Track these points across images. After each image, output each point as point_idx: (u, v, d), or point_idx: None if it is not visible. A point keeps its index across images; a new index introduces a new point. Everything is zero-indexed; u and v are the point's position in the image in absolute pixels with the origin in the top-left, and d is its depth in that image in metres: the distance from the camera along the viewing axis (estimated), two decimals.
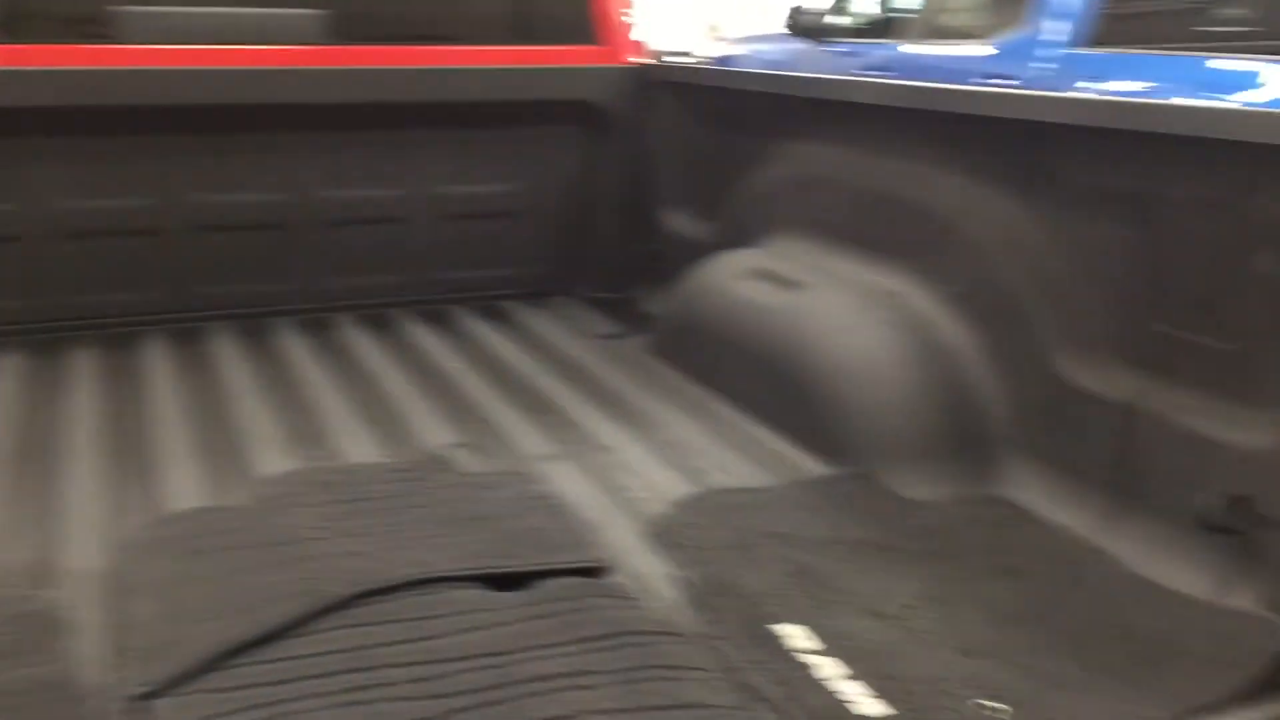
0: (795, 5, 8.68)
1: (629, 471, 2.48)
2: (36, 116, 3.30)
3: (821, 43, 8.39)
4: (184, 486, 2.37)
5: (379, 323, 3.64)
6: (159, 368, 3.14)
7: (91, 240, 3.44)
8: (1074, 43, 6.12)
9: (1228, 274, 1.95)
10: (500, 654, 1.71)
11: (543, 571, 1.97)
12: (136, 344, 3.35)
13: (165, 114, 3.43)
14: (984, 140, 2.47)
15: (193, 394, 2.94)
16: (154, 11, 3.52)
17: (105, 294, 3.48)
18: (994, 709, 1.60)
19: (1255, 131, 1.85)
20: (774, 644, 1.76)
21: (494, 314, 3.79)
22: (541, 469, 2.48)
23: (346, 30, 3.73)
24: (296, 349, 3.34)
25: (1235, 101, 5.06)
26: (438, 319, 3.70)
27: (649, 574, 2.03)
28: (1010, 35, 6.53)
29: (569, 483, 2.41)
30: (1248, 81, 5.21)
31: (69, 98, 3.29)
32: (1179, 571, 1.96)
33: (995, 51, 6.62)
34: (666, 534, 2.14)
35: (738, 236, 3.39)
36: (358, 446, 2.60)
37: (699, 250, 3.55)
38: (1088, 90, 5.79)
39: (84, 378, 3.04)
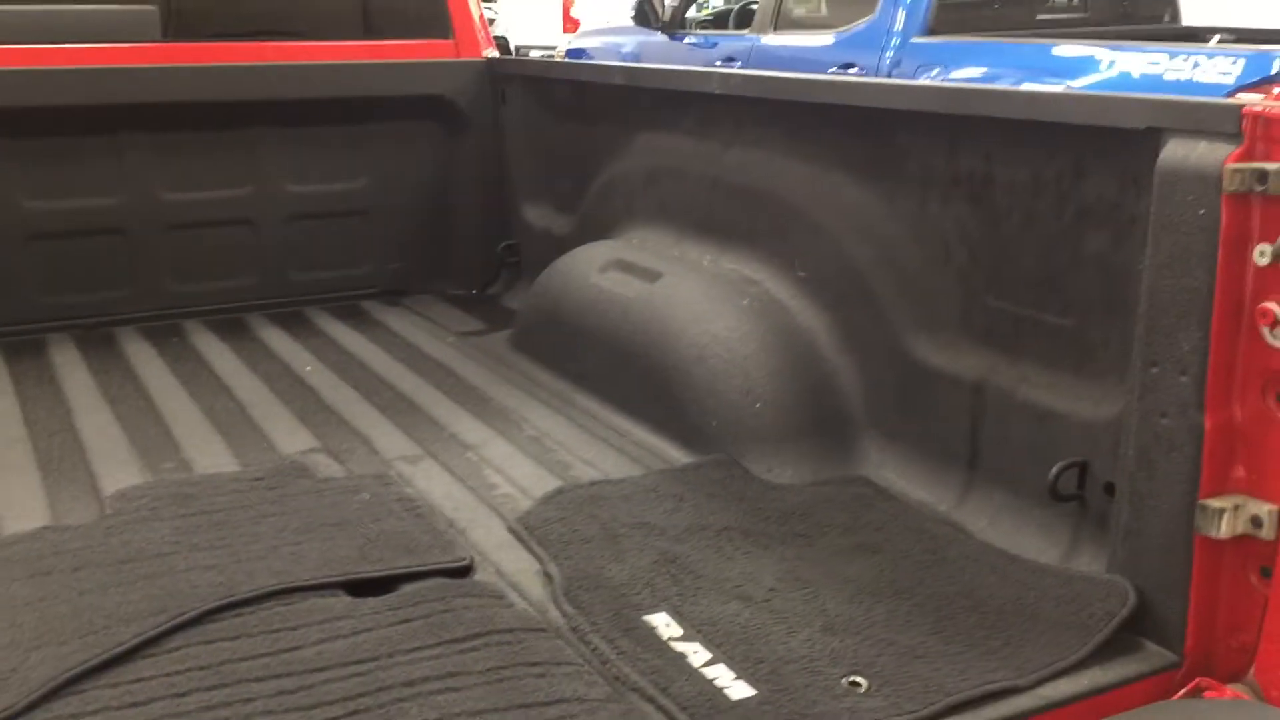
0: None
1: (493, 469, 2.46)
2: None
3: (671, 34, 8.45)
4: (25, 504, 2.25)
5: (232, 328, 3.53)
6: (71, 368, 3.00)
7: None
8: (919, 31, 6.31)
9: (1062, 252, 2.03)
10: (365, 661, 1.67)
11: (407, 574, 1.94)
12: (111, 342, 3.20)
13: None
14: (830, 128, 2.52)
15: (33, 407, 2.81)
16: None
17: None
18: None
19: (1079, 114, 1.93)
20: (643, 633, 1.76)
21: (352, 314, 3.71)
22: (403, 470, 2.44)
23: (187, 26, 3.62)
24: (144, 358, 3.22)
25: (1071, 85, 5.28)
26: (293, 321, 3.61)
27: (515, 571, 2.01)
28: (857, 25, 6.69)
29: (432, 483, 2.38)
30: (1086, 66, 5.44)
31: None
32: (1031, 540, 2.04)
33: (843, 40, 6.77)
34: (531, 530, 2.13)
35: (595, 229, 3.39)
36: (211, 457, 2.51)
37: (557, 244, 3.54)
38: (931, 77, 5.98)
39: None
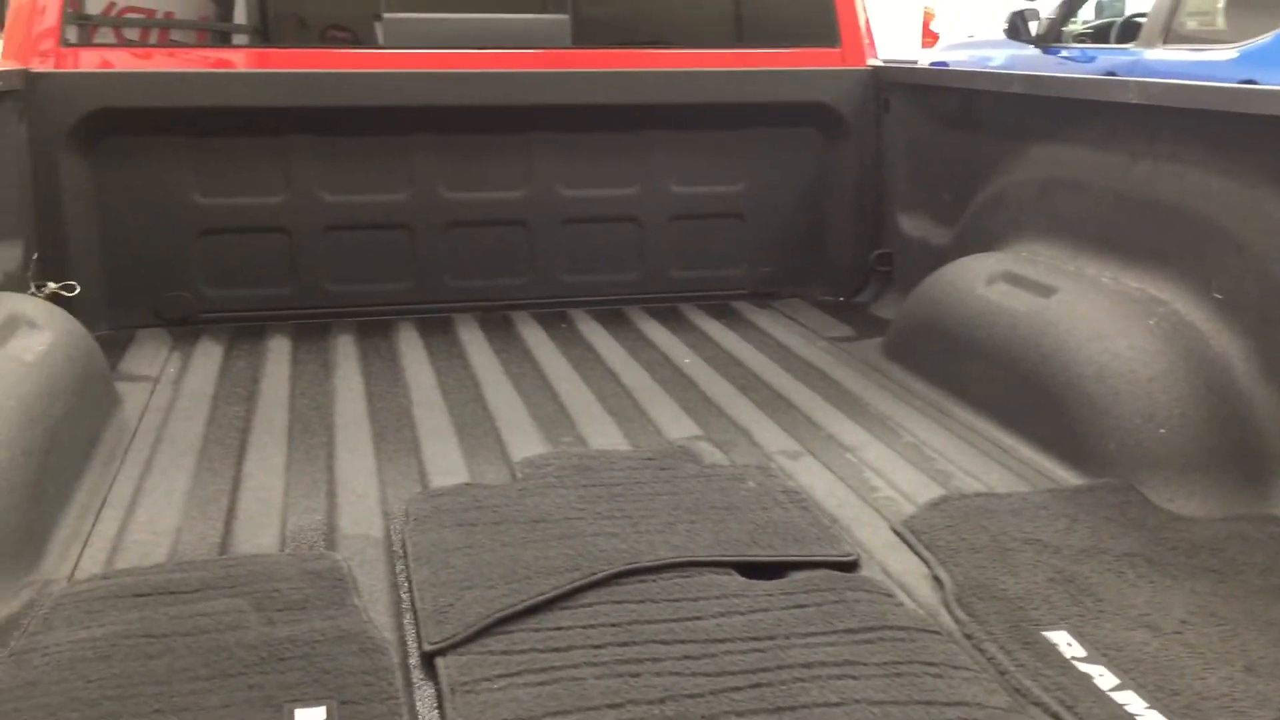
0: (1016, 9, 8.43)
1: (873, 471, 2.47)
2: (303, 116, 3.53)
3: (1045, 48, 8.12)
4: (447, 463, 2.49)
5: (614, 318, 3.73)
6: (412, 353, 3.31)
7: (350, 233, 3.65)
8: None
9: None
10: (763, 639, 1.73)
11: (796, 563, 1.99)
12: (390, 331, 3.54)
13: (422, 115, 3.62)
14: (1261, 140, 2.35)
15: (446, 378, 3.09)
16: (414, 18, 3.72)
17: (362, 284, 3.69)
18: None
19: None
20: (1043, 649, 1.72)
21: (724, 313, 3.83)
22: (784, 465, 2.50)
23: (590, 35, 3.86)
24: (537, 340, 3.46)
25: None
26: (670, 316, 3.77)
27: (902, 572, 2.01)
28: (1265, 39, 6.17)
29: (813, 479, 2.42)
30: None
31: (334, 98, 3.51)
32: None
33: (1249, 55, 6.27)
34: (918, 534, 2.12)
35: (978, 241, 3.33)
36: (604, 435, 2.67)
37: (934, 255, 3.50)
38: None
39: (346, 360, 3.23)
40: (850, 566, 2.00)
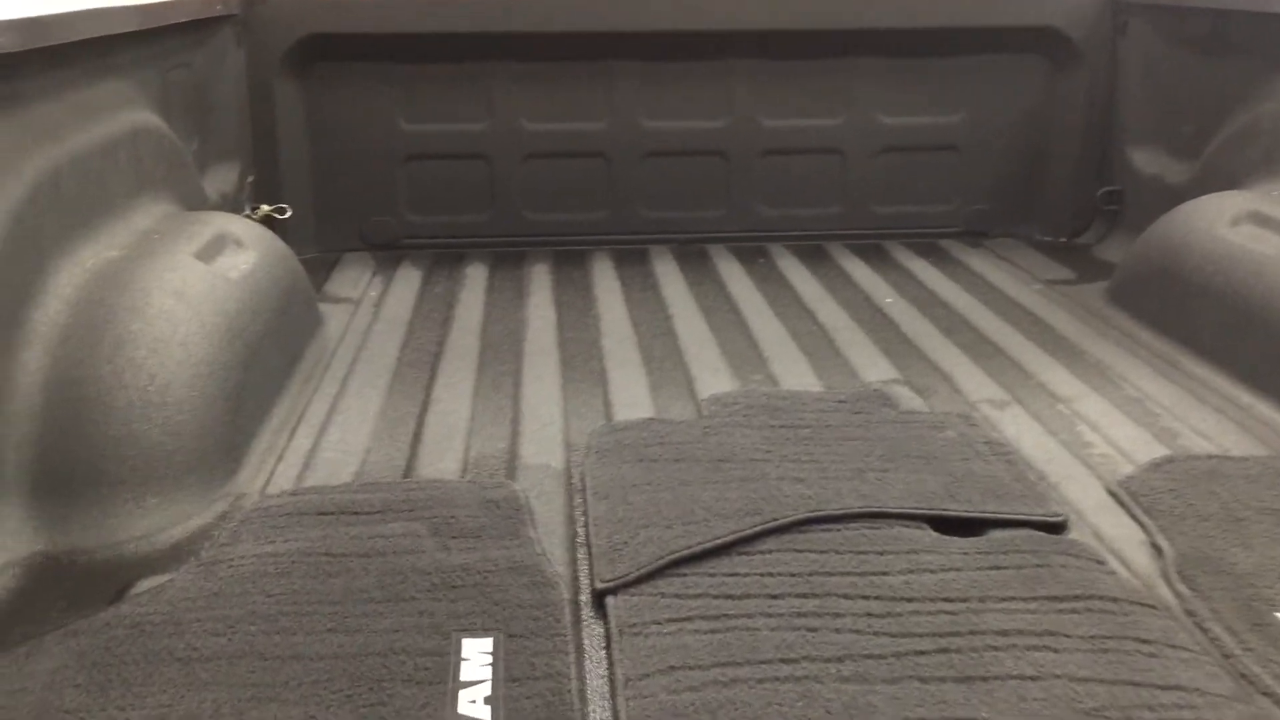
0: None
1: (1089, 425, 2.27)
2: (507, 42, 3.50)
3: None
4: (633, 396, 2.43)
5: (814, 254, 3.59)
6: (605, 284, 3.27)
7: (548, 161, 3.62)
8: None
9: None
10: (955, 600, 1.60)
11: (996, 520, 1.84)
12: (585, 260, 3.51)
13: (621, 41, 3.54)
14: None
15: (637, 310, 3.03)
16: None
17: (559, 213, 3.67)
18: None
19: None
20: (1275, 632, 1.53)
21: (931, 252, 3.63)
22: (989, 414, 2.33)
23: None
24: (733, 274, 3.36)
25: None
26: (873, 254, 3.60)
27: (1116, 537, 1.84)
28: None
29: (1020, 431, 2.25)
30: None
31: (538, 24, 3.46)
32: None
33: None
34: (1136, 496, 1.93)
35: (1222, 178, 3.02)
36: (796, 375, 2.56)
37: (1170, 193, 3.20)
38: None
39: (539, 289, 3.22)
40: (1057, 528, 1.84)
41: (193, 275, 2.16)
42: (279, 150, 3.48)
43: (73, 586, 1.69)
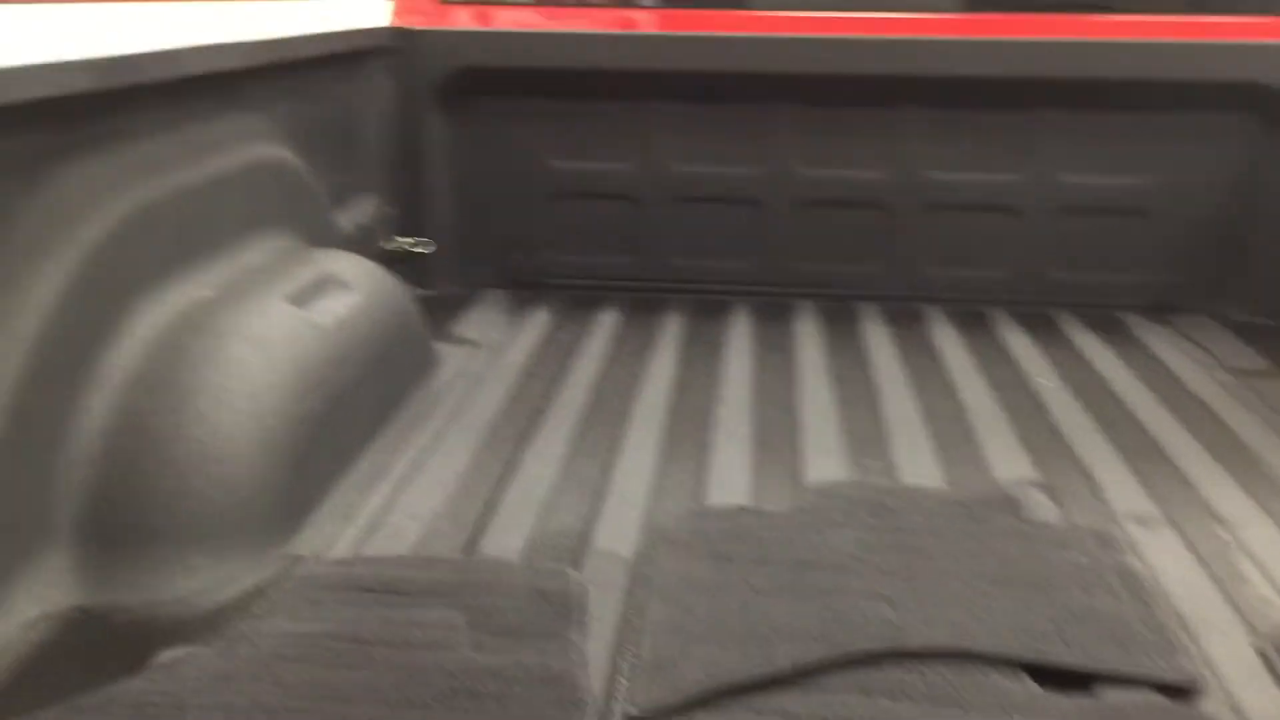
0: None
1: (1250, 559, 1.95)
2: (662, 81, 3.38)
3: None
4: (731, 475, 2.25)
5: (973, 321, 3.31)
6: (737, 341, 3.09)
7: (697, 205, 3.48)
8: None
9: None
10: None
11: (1109, 675, 1.58)
12: (723, 313, 3.34)
13: (784, 83, 3.36)
14: None
15: (764, 373, 2.85)
16: None
17: (702, 259, 3.51)
18: None
19: None
20: None
21: (1108, 327, 3.29)
22: (1131, 533, 2.04)
23: None
24: (878, 339, 3.13)
25: None
26: (1039, 325, 3.29)
27: (1262, 712, 1.54)
28: None
29: (1164, 559, 1.95)
30: None
31: (697, 63, 3.32)
32: None
33: None
34: None
35: None
36: (917, 463, 2.32)
37: None
38: None
39: (668, 342, 3.07)
40: (1185, 693, 1.56)
41: (276, 320, 2.10)
42: (424, 183, 3.45)
43: (100, 648, 1.64)
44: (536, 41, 3.38)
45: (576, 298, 3.47)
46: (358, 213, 3.18)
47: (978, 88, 3.31)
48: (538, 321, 3.25)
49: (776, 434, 2.47)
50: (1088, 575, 1.83)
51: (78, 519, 1.77)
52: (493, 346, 3.04)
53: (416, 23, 3.41)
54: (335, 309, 2.31)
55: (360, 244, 3.11)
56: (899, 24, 3.35)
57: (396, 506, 2.08)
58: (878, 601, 1.73)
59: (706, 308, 3.39)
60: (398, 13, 3.40)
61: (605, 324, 3.22)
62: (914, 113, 3.37)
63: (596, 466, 2.28)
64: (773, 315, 3.33)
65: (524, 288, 3.54)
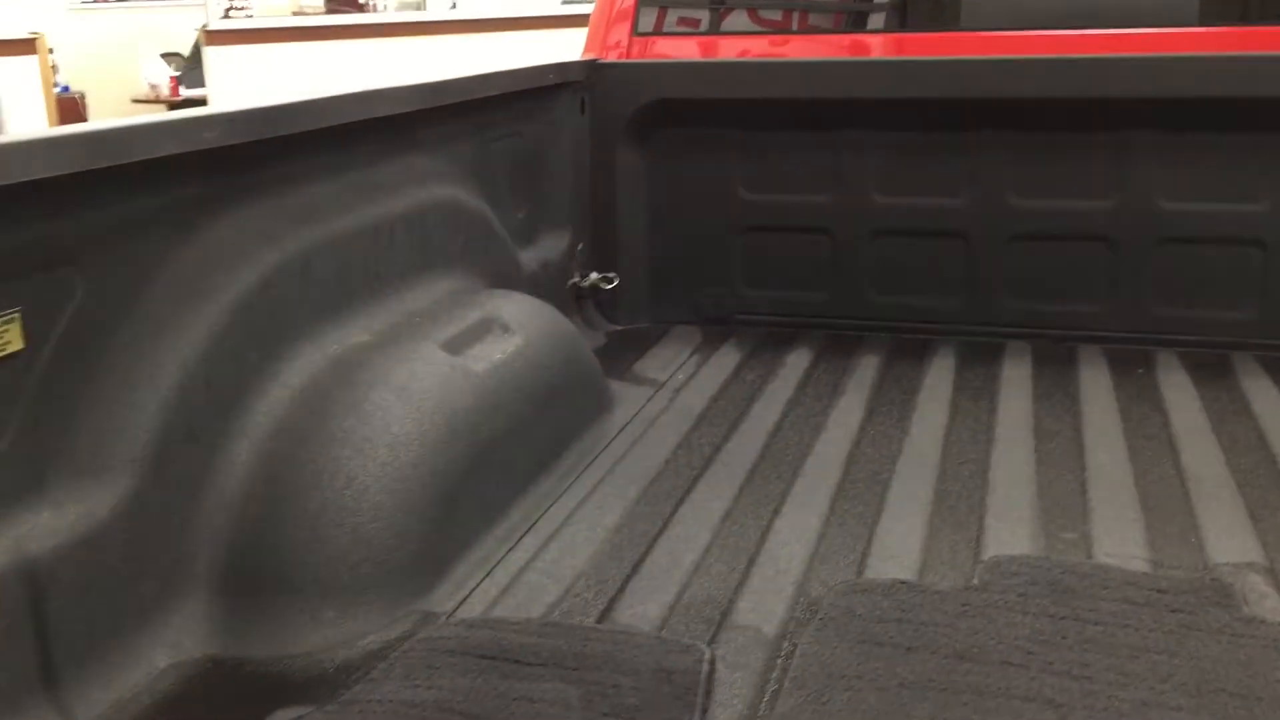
0: None
1: None
2: (858, 108, 3.20)
3: None
4: (900, 543, 2.06)
5: (1214, 368, 2.94)
6: (937, 387, 2.86)
7: (898, 239, 3.27)
8: None
9: None
10: None
11: None
12: (925, 354, 3.12)
13: (991, 109, 3.12)
14: None
15: (957, 424, 2.62)
16: None
17: (904, 295, 3.30)
18: None
19: None
20: None
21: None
22: None
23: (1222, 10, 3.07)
24: (1097, 387, 2.84)
25: None
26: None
27: None
28: None
29: None
30: None
31: (895, 89, 3.14)
32: None
33: None
34: None
35: None
36: (1119, 538, 2.06)
37: None
38: None
39: (858, 387, 2.88)
40: None
41: (425, 367, 2.08)
42: (616, 218, 3.40)
43: (221, 703, 1.64)
44: (727, 71, 3.28)
45: (769, 335, 3.33)
46: (546, 249, 3.16)
47: (1211, 109, 2.96)
48: (725, 360, 3.13)
49: (958, 495, 2.25)
50: None
51: (214, 568, 1.79)
52: (675, 387, 2.94)
53: (610, 55, 3.38)
54: (492, 354, 2.27)
55: (546, 281, 3.08)
56: (1122, 40, 3.05)
57: (538, 564, 2.01)
58: (1042, 707, 1.51)
59: (906, 348, 3.18)
60: (589, 46, 3.38)
61: (795, 365, 3.07)
62: (1139, 137, 3.05)
63: (755, 527, 2.14)
64: (980, 357, 3.08)
65: (716, 323, 3.43)
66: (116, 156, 1.59)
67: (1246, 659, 1.62)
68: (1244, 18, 3.03)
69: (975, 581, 1.90)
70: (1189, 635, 1.69)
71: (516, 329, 2.40)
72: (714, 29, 3.62)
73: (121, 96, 10.54)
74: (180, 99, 10.26)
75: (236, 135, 1.84)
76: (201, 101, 9.39)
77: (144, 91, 10.43)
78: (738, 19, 3.62)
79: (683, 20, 3.68)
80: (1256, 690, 1.55)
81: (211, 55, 8.99)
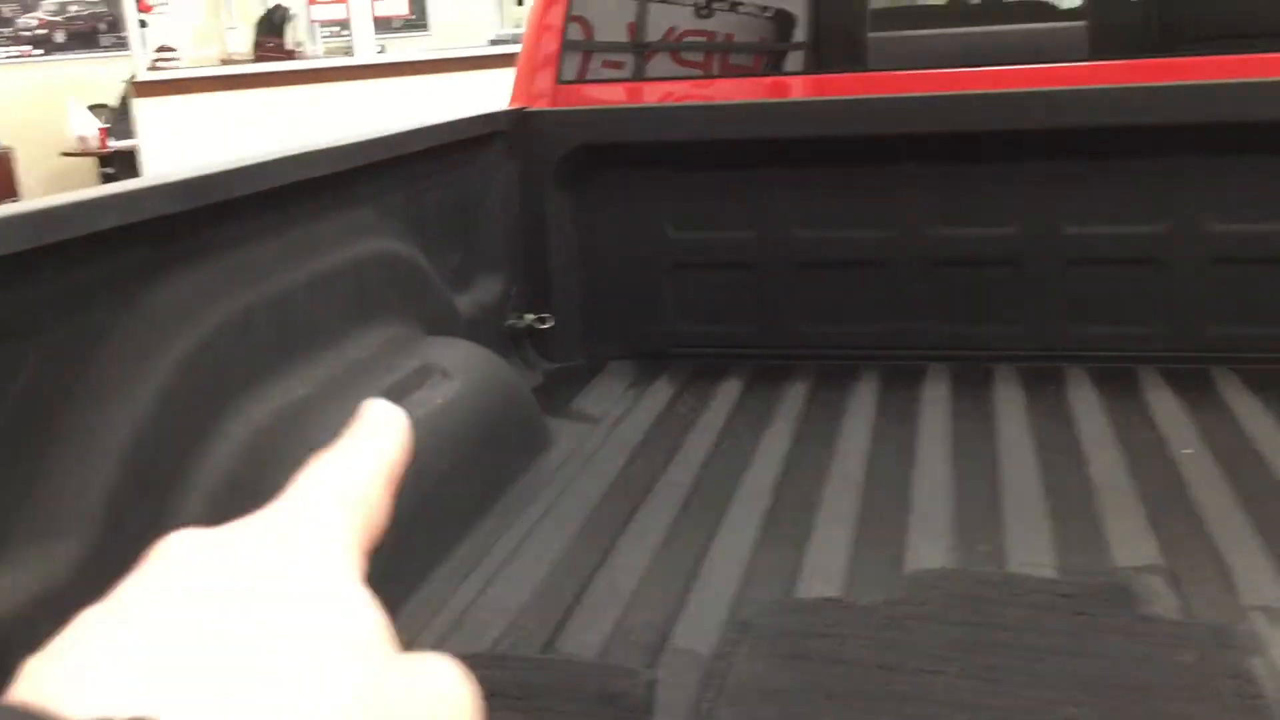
0: None
1: None
2: (777, 147, 3.34)
3: None
4: (827, 563, 2.18)
5: (1116, 382, 3.11)
6: (859, 411, 3.00)
7: (820, 271, 3.41)
8: None
9: None
10: None
11: None
12: (848, 380, 3.25)
13: (906, 143, 3.28)
14: None
15: (879, 445, 2.75)
16: (911, 36, 3.39)
17: (828, 325, 3.44)
18: None
19: None
20: None
21: (1272, 384, 3.04)
22: (1257, 629, 1.87)
23: (1112, 43, 3.26)
24: (1010, 405, 2.99)
25: None
26: (1192, 384, 3.07)
27: None
28: None
29: None
30: None
31: (813, 128, 3.28)
32: None
33: None
34: None
35: None
36: (1030, 547, 2.19)
37: None
38: None
39: (785, 414, 3.01)
40: None
41: None
42: (549, 260, 3.51)
43: None
44: (650, 115, 3.41)
45: (702, 367, 3.45)
46: (482, 293, 3.26)
47: (1112, 135, 3.14)
48: (658, 394, 3.24)
49: (881, 514, 2.38)
50: (1195, 679, 1.69)
51: None
52: (611, 421, 3.05)
53: (536, 103, 3.49)
54: (433, 399, 2.36)
55: (483, 324, 3.18)
56: (1025, 75, 3.23)
57: (484, 600, 2.10)
58: (956, 710, 1.64)
59: (832, 374, 3.31)
60: (515, 95, 3.49)
61: (726, 395, 3.19)
62: (1041, 165, 3.22)
63: (691, 554, 2.25)
64: (901, 381, 3.22)
65: (649, 358, 3.55)
66: (59, 233, 1.67)
67: (1143, 656, 1.76)
68: (1128, 52, 3.22)
69: (897, 595, 2.02)
70: (1091, 635, 1.82)
71: (455, 374, 2.49)
72: (638, 74, 3.76)
73: (50, 150, 10.49)
74: (109, 150, 10.23)
75: (175, 204, 1.92)
76: (131, 153, 9.38)
77: (73, 144, 10.39)
78: (661, 61, 3.76)
79: (607, 63, 3.81)
80: (1148, 684, 1.68)
81: (140, 106, 9.00)
